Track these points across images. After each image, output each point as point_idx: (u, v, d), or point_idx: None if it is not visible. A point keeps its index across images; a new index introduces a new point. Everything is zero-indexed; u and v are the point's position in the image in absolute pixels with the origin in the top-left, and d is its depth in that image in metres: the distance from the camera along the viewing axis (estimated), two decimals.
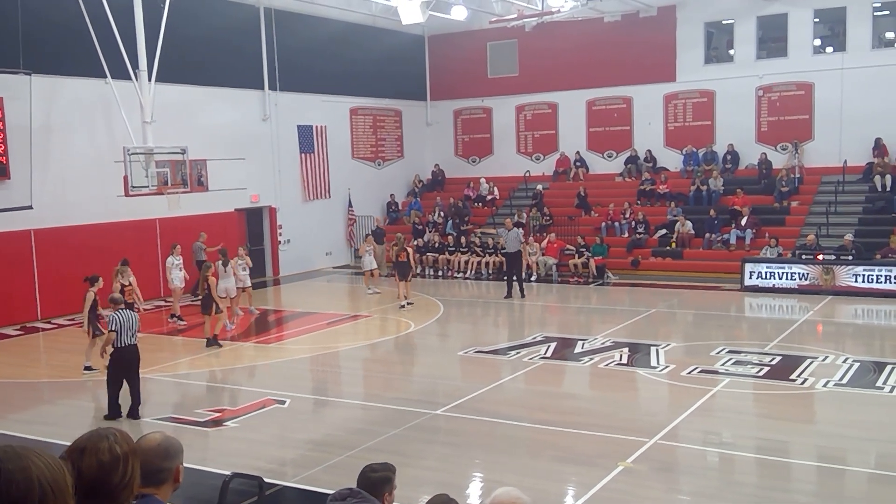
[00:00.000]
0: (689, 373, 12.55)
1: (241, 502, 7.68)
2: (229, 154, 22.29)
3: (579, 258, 22.63)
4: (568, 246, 23.36)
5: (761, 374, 12.48)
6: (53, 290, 18.26)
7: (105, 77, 17.63)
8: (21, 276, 17.81)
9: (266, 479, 7.62)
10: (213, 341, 15.09)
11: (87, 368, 13.51)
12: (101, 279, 13.98)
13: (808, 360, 13.09)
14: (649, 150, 26.31)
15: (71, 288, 18.42)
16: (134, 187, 17.17)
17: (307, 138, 25.18)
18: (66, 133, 18.64)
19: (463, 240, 24.61)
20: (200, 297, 15.44)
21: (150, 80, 17.83)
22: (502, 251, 20.93)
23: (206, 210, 21.44)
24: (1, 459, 1.65)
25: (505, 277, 20.42)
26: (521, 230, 20.61)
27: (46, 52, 17.88)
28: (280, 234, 24.45)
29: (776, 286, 19.68)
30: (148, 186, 17.35)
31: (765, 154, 24.55)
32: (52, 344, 16.63)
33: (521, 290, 19.83)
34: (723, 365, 12.95)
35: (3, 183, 17.31)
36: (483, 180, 27.92)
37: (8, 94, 17.17)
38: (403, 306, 18.41)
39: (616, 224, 24.25)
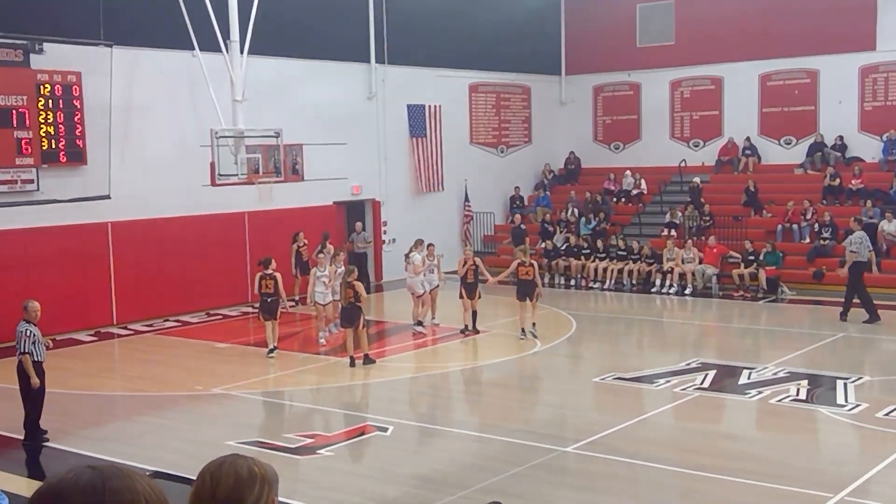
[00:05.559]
0: (887, 414, 12.05)
1: None
2: (329, 138, 22.86)
3: (746, 268, 22.04)
4: (732, 253, 22.81)
5: None
6: (131, 292, 19.19)
7: (192, 49, 18.39)
8: (96, 275, 18.80)
9: None
10: (368, 360, 15.31)
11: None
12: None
13: None
14: (840, 136, 25.42)
15: (149, 289, 19.37)
16: (221, 175, 17.77)
17: (418, 120, 25.54)
18: (148, 113, 19.57)
19: (600, 243, 24.37)
20: (344, 306, 15.44)
21: (242, 52, 18.46)
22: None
23: (301, 203, 22.05)
24: (107, 477, 1.92)
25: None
26: (864, 233, 18.78)
27: (129, 21, 18.83)
28: (384, 233, 24.88)
29: None
30: (237, 175, 17.92)
31: None
32: (128, 353, 17.51)
33: (869, 309, 18.15)
34: None
35: (79, 169, 18.33)
36: (628, 172, 27.57)
37: (86, 68, 18.15)
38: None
39: (794, 227, 23.48)
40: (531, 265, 17.44)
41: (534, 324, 17.30)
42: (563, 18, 29.65)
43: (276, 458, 10.53)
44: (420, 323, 18.14)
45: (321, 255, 17.65)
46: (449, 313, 18.19)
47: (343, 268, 16.49)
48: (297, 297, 20.31)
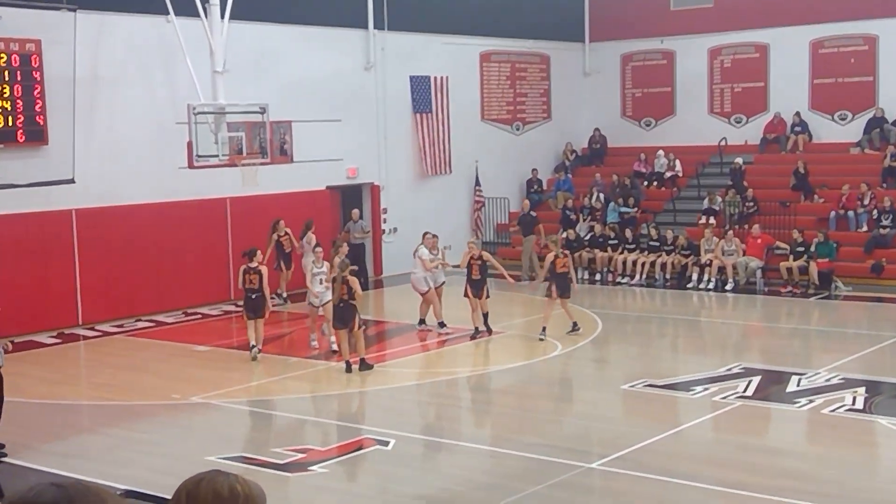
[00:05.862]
0: None
1: None
2: (321, 114, 22.84)
3: (795, 260, 22.04)
4: (779, 243, 22.82)
5: None
6: (98, 288, 19.21)
7: (167, 13, 18.40)
8: (59, 269, 18.82)
9: None
10: (365, 365, 15.27)
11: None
12: None
13: None
14: None
15: (119, 285, 19.40)
16: (200, 157, 17.81)
17: (423, 94, 25.52)
18: (117, 86, 19.56)
19: (629, 232, 24.35)
20: (338, 305, 15.30)
21: (222, 17, 18.46)
22: None
23: (290, 187, 22.06)
24: (73, 497, 1.93)
25: None
26: None
27: None
28: (384, 221, 24.88)
29: None
30: (218, 156, 17.95)
31: None
32: (95, 357, 17.55)
33: None
34: None
35: (39, 150, 18.33)
36: (661, 152, 27.55)
37: (47, 36, 18.13)
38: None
39: (850, 213, 23.50)
40: (566, 255, 17.82)
41: (575, 322, 17.48)
42: None
43: (263, 476, 10.55)
44: (423, 321, 18.16)
45: (318, 250, 17.50)
46: (458, 312, 18.18)
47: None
48: (284, 294, 20.34)
